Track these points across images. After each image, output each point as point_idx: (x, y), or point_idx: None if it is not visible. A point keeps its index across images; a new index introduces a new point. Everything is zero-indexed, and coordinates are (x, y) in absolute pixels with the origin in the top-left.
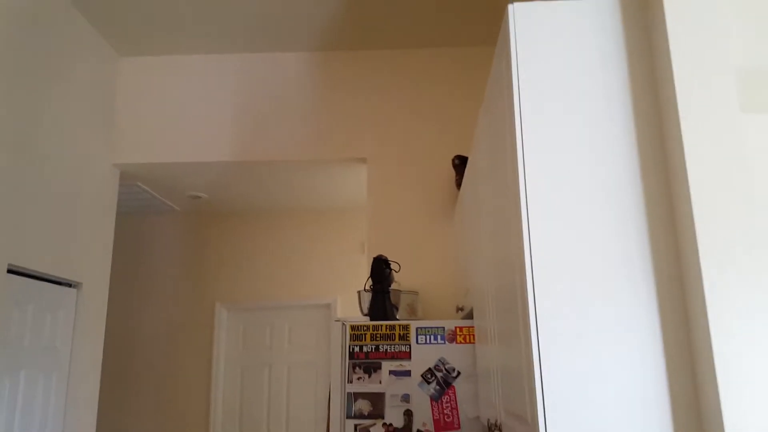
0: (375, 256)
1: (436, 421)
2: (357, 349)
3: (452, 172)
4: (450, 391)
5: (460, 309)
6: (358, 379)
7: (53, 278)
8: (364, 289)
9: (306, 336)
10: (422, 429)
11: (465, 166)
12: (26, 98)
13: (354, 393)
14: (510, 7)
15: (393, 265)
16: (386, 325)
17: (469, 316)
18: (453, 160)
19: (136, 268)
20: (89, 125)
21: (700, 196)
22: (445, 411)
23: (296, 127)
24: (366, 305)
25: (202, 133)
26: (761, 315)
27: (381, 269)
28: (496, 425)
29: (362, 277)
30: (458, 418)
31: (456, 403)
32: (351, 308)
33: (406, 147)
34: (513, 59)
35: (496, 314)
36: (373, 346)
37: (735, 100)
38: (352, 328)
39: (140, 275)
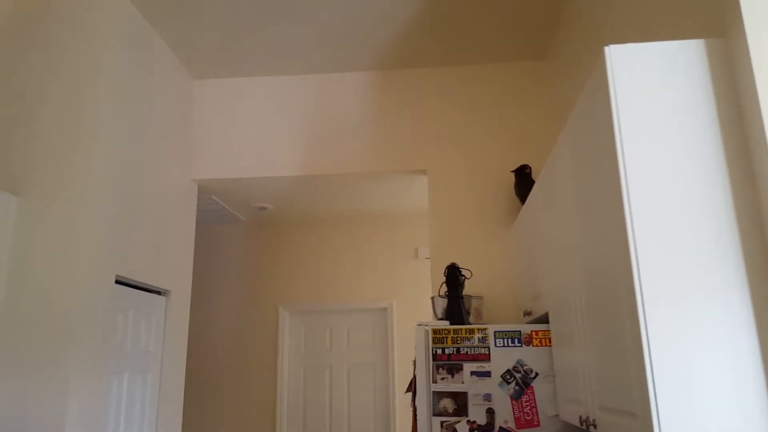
0: (448, 264)
1: (517, 419)
2: (440, 351)
3: (509, 181)
4: (529, 391)
5: (527, 313)
6: (442, 379)
7: (148, 287)
8: (439, 295)
9: (364, 338)
10: (504, 426)
11: (523, 176)
12: (124, 120)
13: (438, 392)
14: (606, 49)
15: (465, 272)
16: (465, 329)
17: (540, 320)
18: (519, 170)
19: (208, 275)
20: (171, 143)
21: None
22: (525, 409)
23: (359, 142)
24: (440, 310)
25: (270, 150)
26: None
27: (455, 276)
28: (589, 422)
29: (416, 282)
30: (538, 416)
31: (535, 402)
32: (406, 312)
33: (463, 158)
34: (612, 97)
35: (587, 317)
36: (455, 349)
37: None
38: (434, 332)
39: (211, 282)
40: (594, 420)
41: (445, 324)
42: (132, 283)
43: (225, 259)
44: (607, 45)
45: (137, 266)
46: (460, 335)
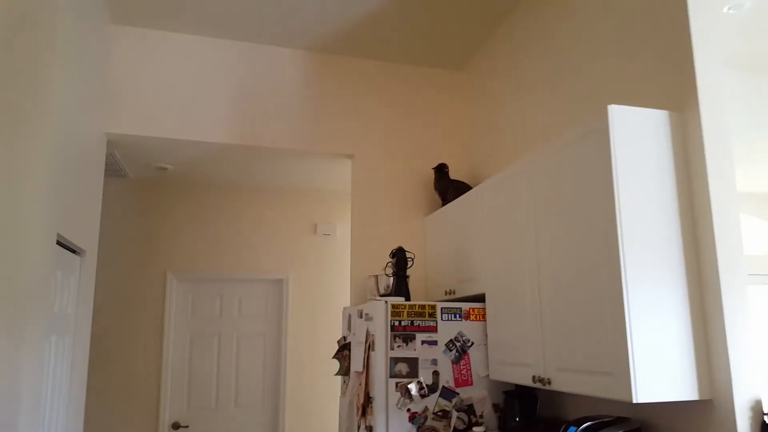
0: (396, 247)
1: (456, 379)
2: (397, 323)
3: (428, 176)
4: (466, 357)
5: (450, 292)
6: (398, 346)
7: (72, 246)
8: (385, 273)
9: (256, 308)
10: (446, 385)
11: (442, 173)
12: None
13: (394, 357)
14: (610, 108)
15: (409, 255)
16: (419, 305)
17: (467, 299)
18: (439, 168)
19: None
20: (86, 91)
21: (720, 230)
22: (462, 371)
23: (286, 119)
24: (383, 286)
25: (191, 112)
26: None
27: (404, 257)
28: (544, 380)
29: (315, 257)
30: (472, 377)
31: (470, 366)
32: (302, 285)
33: (388, 149)
34: (612, 146)
35: (546, 303)
36: (410, 321)
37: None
38: (393, 306)
39: (100, 242)
40: (549, 379)
41: (400, 300)
42: (64, 243)
43: (111, 218)
44: (522, 71)
45: (66, 225)
46: (414, 310)
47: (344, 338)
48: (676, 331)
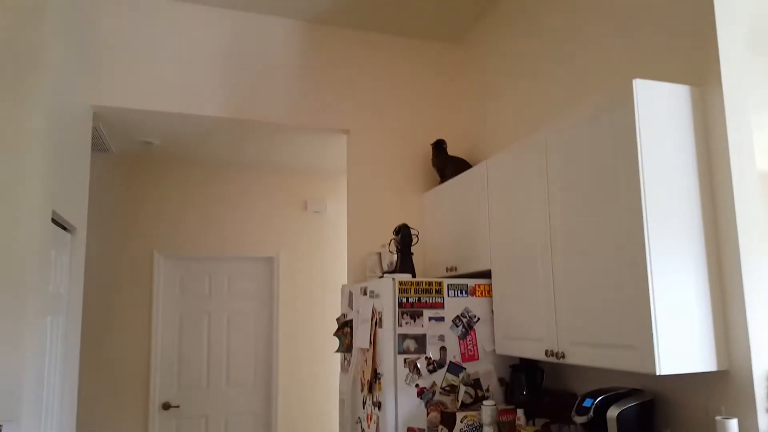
0: (401, 224)
1: (462, 355)
2: (404, 300)
3: (425, 152)
4: (472, 332)
5: (451, 269)
6: (406, 323)
7: (64, 224)
8: (389, 250)
9: (246, 287)
10: (453, 360)
11: (440, 149)
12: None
13: (402, 334)
14: (634, 81)
15: (413, 232)
16: (425, 282)
17: (469, 276)
18: (437, 144)
19: None
20: (73, 62)
21: (740, 204)
22: (468, 347)
23: (281, 92)
24: (386, 263)
25: (181, 84)
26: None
27: (409, 234)
28: (558, 354)
29: (305, 234)
30: (478, 352)
31: (476, 341)
32: (292, 263)
33: (385, 124)
34: (637, 120)
35: (563, 280)
36: (417, 298)
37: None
38: (401, 283)
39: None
40: (562, 353)
41: (407, 277)
42: (58, 220)
43: (95, 194)
44: (526, 45)
45: (58, 201)
46: (421, 287)
47: (344, 315)
48: (696, 302)
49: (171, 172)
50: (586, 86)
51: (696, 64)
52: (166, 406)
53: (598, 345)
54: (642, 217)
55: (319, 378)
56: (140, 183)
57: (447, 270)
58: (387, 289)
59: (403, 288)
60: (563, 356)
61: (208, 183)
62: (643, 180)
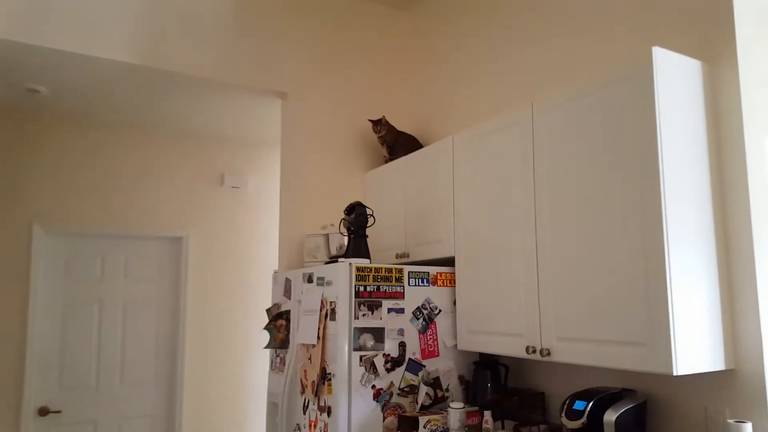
0: (354, 202)
1: (422, 351)
2: (362, 288)
3: (370, 128)
4: (432, 326)
5: (402, 255)
6: (363, 315)
7: None
8: (339, 232)
9: (147, 270)
10: (412, 357)
11: (385, 125)
12: None
13: (359, 328)
14: (654, 49)
15: (369, 212)
16: (385, 268)
17: (423, 263)
18: (380, 122)
19: None
20: None
21: (754, 191)
22: (428, 342)
23: (209, 44)
24: (335, 246)
25: (78, 16)
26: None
27: (365, 214)
28: (542, 351)
29: (222, 212)
30: (438, 347)
31: (437, 335)
32: (207, 244)
33: (326, 92)
34: (656, 92)
35: (554, 268)
36: (375, 287)
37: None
38: (358, 269)
39: None
40: (547, 350)
41: (365, 262)
42: None
43: None
44: (485, 19)
45: None
46: (380, 274)
47: (278, 306)
48: (707, 297)
49: (61, 129)
50: (569, 69)
51: (709, 39)
52: (43, 412)
53: (593, 341)
54: (660, 200)
55: (238, 377)
56: (21, 140)
57: (397, 257)
58: (342, 275)
59: (361, 275)
60: (548, 353)
61: (107, 146)
62: (662, 158)
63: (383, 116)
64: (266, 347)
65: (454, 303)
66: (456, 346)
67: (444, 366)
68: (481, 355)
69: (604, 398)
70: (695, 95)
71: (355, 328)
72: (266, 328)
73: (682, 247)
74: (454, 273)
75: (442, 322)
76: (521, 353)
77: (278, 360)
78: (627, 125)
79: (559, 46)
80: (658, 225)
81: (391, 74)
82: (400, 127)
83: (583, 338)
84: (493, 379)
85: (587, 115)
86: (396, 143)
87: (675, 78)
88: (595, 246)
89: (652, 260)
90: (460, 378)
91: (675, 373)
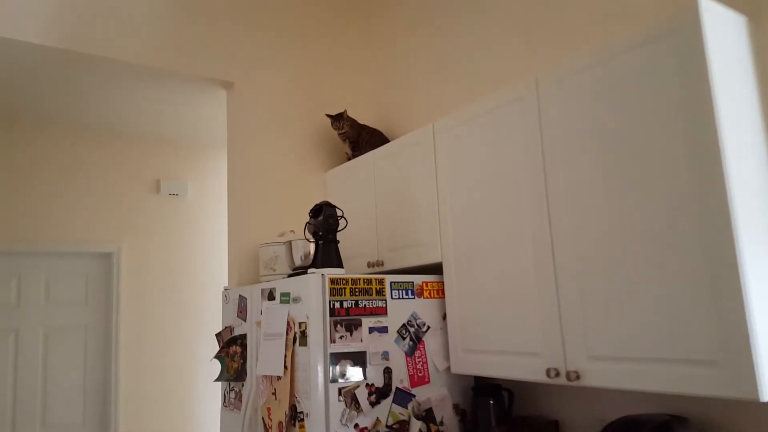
0: (321, 202)
1: (411, 377)
2: (338, 305)
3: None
4: (421, 346)
5: (375, 264)
6: (341, 338)
7: None
8: (305, 238)
9: (72, 292)
10: (400, 386)
11: (346, 119)
12: None
13: (336, 354)
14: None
15: (339, 214)
16: (363, 279)
17: (399, 271)
18: (341, 116)
19: None
20: None
21: None
22: (417, 366)
23: (141, 22)
24: (299, 255)
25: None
26: None
27: (335, 216)
28: (568, 373)
29: (158, 223)
30: (429, 372)
31: (426, 357)
32: (141, 260)
33: (278, 83)
34: (706, 47)
35: (586, 259)
36: (353, 302)
37: None
38: (332, 281)
39: None
40: (576, 372)
41: (340, 272)
42: None
43: None
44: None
45: None
46: (359, 286)
47: (230, 329)
48: None
49: None
50: (559, 51)
51: None
52: None
53: (638, 360)
54: (724, 183)
55: (184, 417)
56: None
57: (369, 266)
58: (313, 289)
59: (336, 288)
60: (577, 377)
61: (22, 147)
62: (719, 126)
63: (345, 110)
64: (217, 380)
65: (444, 317)
66: (449, 368)
67: (436, 394)
68: (477, 378)
69: (655, 429)
70: (744, 54)
71: (331, 353)
72: (217, 356)
73: (752, 239)
74: (442, 282)
75: (431, 341)
76: (540, 377)
77: (232, 395)
78: (670, 92)
79: (548, 20)
80: (725, 214)
81: (351, 62)
82: (362, 121)
83: (625, 356)
84: (495, 408)
85: (600, 87)
86: (359, 138)
87: (724, 33)
88: (638, 240)
89: (717, 255)
90: (455, 407)
91: (762, 399)
